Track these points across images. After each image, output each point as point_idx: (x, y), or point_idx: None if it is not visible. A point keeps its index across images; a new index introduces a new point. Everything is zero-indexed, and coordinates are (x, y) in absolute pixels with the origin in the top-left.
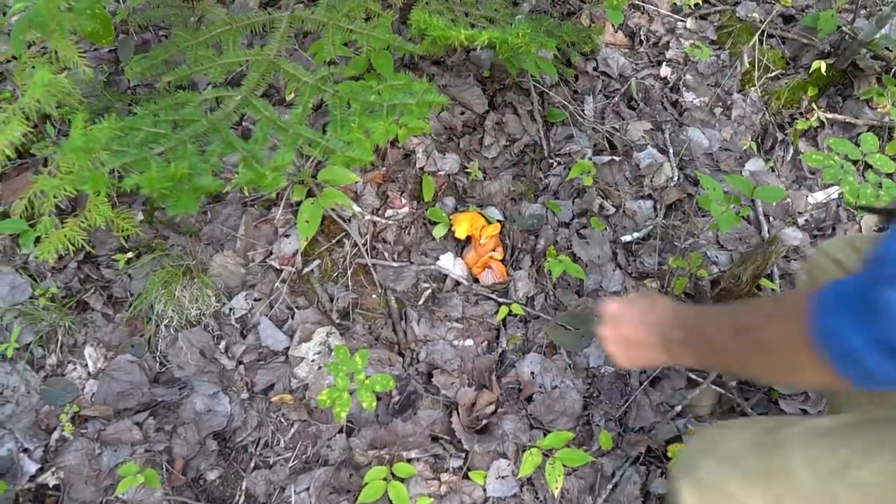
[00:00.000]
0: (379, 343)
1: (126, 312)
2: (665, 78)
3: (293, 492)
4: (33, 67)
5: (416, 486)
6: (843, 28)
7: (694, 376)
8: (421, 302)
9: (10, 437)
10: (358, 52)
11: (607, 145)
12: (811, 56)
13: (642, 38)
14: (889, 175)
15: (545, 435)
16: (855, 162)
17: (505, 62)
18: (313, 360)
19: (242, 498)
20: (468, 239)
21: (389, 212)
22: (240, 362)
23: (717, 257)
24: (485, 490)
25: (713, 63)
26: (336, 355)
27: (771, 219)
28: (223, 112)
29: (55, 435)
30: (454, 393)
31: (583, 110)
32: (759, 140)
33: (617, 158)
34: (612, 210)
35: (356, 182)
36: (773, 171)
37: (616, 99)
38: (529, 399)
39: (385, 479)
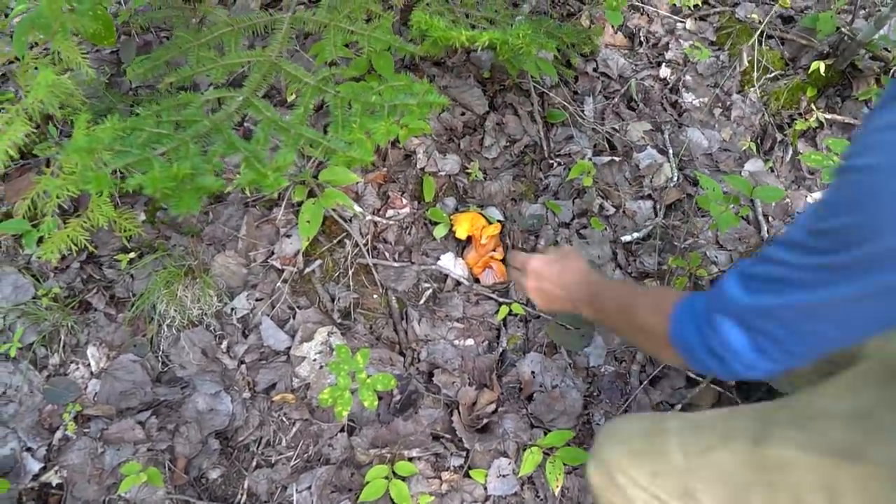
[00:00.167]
0: (380, 343)
1: (128, 312)
2: (665, 79)
3: (295, 490)
4: (36, 68)
5: (418, 484)
6: (842, 29)
7: (693, 376)
8: (422, 302)
9: (13, 437)
10: (359, 53)
11: (607, 146)
12: (810, 57)
13: (642, 39)
14: None
15: (546, 434)
16: None
17: (505, 63)
18: (315, 360)
19: (244, 497)
20: (469, 239)
21: (390, 212)
22: (241, 362)
23: (716, 257)
24: (486, 488)
25: (712, 64)
26: (337, 354)
27: (770, 219)
28: (225, 113)
29: (58, 434)
30: (455, 392)
31: (583, 111)
32: (759, 140)
33: (617, 159)
34: (612, 210)
35: (357, 182)
36: (773, 171)
37: (616, 100)
38: (530, 398)
39: (386, 478)
